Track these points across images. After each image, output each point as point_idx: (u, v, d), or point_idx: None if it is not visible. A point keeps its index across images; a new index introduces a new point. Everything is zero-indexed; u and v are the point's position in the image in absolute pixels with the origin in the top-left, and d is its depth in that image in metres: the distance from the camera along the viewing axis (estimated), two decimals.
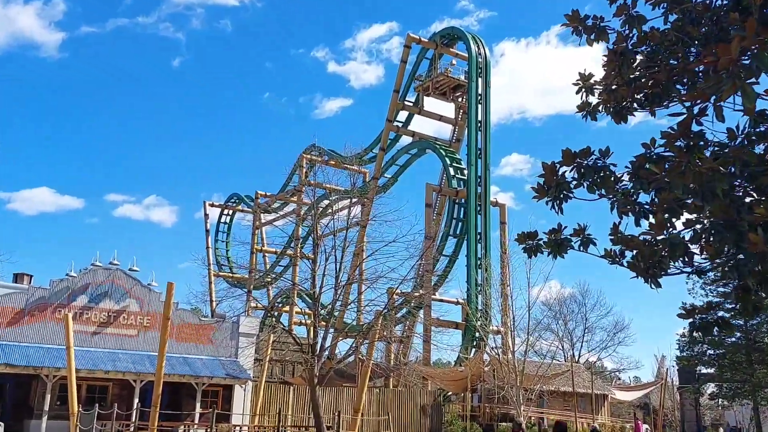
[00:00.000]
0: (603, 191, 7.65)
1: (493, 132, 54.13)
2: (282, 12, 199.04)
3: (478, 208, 51.35)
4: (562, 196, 7.37)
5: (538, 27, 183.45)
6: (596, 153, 7.18)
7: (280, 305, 69.64)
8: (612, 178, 7.26)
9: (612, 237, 8.38)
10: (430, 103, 59.25)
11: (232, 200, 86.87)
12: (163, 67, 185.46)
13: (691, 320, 7.70)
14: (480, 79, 54.78)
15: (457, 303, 51.72)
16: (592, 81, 8.56)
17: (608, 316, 63.07)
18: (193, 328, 34.46)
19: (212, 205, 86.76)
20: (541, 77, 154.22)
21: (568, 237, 8.41)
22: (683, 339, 42.14)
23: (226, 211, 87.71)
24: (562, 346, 61.75)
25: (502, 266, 42.53)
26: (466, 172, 53.01)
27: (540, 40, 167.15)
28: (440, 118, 59.56)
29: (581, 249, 8.40)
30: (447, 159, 53.93)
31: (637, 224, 7.58)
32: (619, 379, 70.46)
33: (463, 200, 52.23)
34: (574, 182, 7.27)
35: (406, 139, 60.12)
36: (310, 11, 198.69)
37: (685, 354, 42.19)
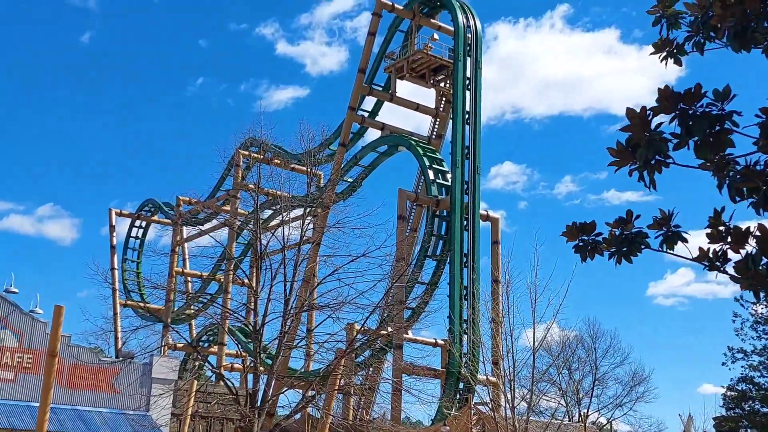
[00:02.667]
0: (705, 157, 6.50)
1: (483, 131, 53.49)
2: None
3: (465, 223, 50.50)
4: (654, 161, 6.16)
5: (540, 5, 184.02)
6: (709, 95, 5.98)
7: (206, 345, 67.81)
8: (730, 136, 6.07)
9: (711, 230, 7.24)
10: (405, 89, 58.42)
11: (147, 208, 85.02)
12: (68, 43, 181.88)
13: None
14: (469, 59, 54.16)
15: (436, 344, 50.72)
16: (676, 9, 7.47)
17: (624, 364, 62.53)
18: (90, 370, 33.28)
19: (120, 214, 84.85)
20: (541, 68, 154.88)
21: (642, 230, 7.28)
22: (731, 394, 41.25)
23: (138, 222, 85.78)
24: (566, 402, 61.05)
25: (494, 298, 41.64)
26: (449, 176, 52.18)
27: (542, 22, 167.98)
28: (417, 107, 58.84)
29: (664, 248, 7.24)
30: (425, 159, 53.05)
31: (763, 209, 6.42)
32: None
33: (445, 212, 51.35)
34: (675, 140, 6.07)
35: (373, 134, 59.21)
36: None
37: (733, 413, 41.18)
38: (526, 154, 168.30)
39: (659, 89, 5.92)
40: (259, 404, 21.68)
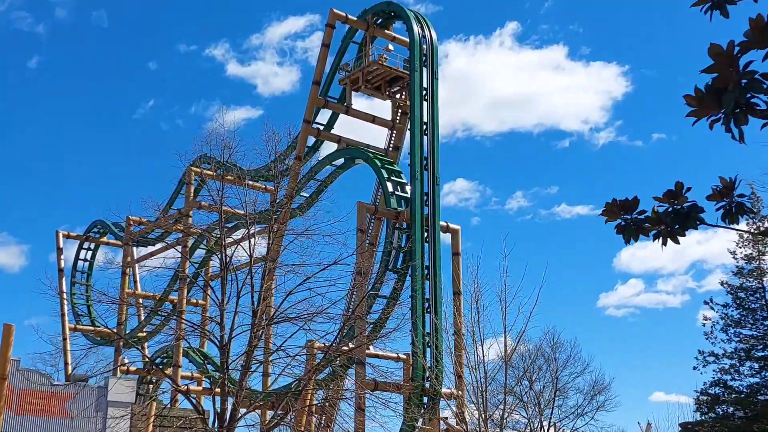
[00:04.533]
0: None
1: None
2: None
3: (425, 235, 49.51)
4: (738, 110, 5.17)
5: (490, 23, 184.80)
6: None
7: (161, 366, 65.69)
8: None
9: None
10: (361, 101, 57.48)
11: (96, 230, 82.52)
12: (15, 67, 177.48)
13: None
14: (425, 69, 53.34)
15: (398, 359, 49.60)
16: None
17: (584, 373, 62.04)
18: (41, 396, 31.50)
19: (68, 236, 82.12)
20: (491, 86, 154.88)
21: (696, 204, 6.33)
22: (704, 398, 40.41)
23: (87, 245, 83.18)
24: (527, 413, 60.20)
25: (456, 309, 40.78)
26: (408, 188, 51.24)
27: (491, 40, 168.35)
28: (373, 119, 57.78)
29: (726, 221, 6.30)
30: (383, 171, 52.07)
31: None
32: None
33: (405, 224, 50.34)
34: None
35: (329, 147, 58.02)
36: None
37: (707, 417, 40.32)
38: (478, 170, 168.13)
39: (750, 19, 4.96)
40: (227, 423, 20.41)
